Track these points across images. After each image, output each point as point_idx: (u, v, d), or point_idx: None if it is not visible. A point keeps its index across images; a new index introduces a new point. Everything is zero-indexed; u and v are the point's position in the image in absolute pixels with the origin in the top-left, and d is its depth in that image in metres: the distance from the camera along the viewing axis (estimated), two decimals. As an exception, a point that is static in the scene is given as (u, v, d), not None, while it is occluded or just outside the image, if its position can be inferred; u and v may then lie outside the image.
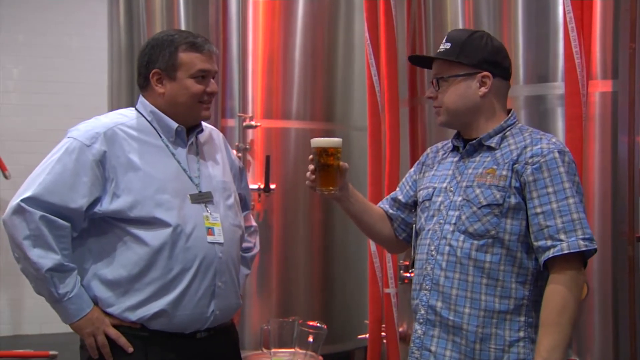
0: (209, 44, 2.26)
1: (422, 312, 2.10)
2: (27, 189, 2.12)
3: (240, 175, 2.52)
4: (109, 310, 2.15)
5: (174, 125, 2.25)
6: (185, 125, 2.27)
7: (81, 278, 2.16)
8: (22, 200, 2.09)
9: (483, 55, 2.08)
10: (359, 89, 3.97)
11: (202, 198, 2.22)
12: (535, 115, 2.76)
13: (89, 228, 2.17)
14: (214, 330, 2.25)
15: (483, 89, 2.07)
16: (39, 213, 2.08)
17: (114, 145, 2.16)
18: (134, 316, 2.14)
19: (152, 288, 2.14)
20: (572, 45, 2.55)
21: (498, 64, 2.10)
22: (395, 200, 2.33)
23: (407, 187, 2.32)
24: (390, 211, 2.32)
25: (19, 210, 2.09)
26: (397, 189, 2.37)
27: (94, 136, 2.15)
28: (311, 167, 2.14)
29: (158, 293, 2.14)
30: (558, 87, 2.68)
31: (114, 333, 2.14)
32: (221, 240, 2.22)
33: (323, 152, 2.13)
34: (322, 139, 2.16)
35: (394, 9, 3.29)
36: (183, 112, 2.25)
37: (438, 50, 2.14)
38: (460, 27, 2.96)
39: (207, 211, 2.22)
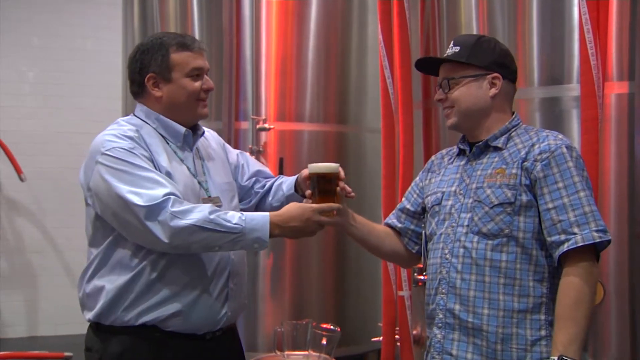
0: (198, 42, 2.27)
1: (440, 316, 2.10)
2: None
3: (244, 164, 2.52)
4: (125, 314, 2.15)
5: (182, 129, 2.25)
6: (186, 126, 2.27)
7: (99, 281, 2.17)
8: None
9: (493, 58, 2.13)
10: (373, 91, 3.95)
11: (212, 202, 2.23)
12: (550, 118, 2.74)
13: (118, 236, 2.16)
14: (222, 331, 2.26)
15: (493, 90, 2.11)
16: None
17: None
18: (149, 317, 2.14)
19: (168, 290, 2.14)
20: (587, 47, 2.52)
21: (507, 67, 2.15)
22: (403, 210, 2.34)
23: (415, 195, 2.33)
24: (399, 225, 2.33)
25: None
26: (404, 199, 2.38)
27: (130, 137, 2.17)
28: (308, 192, 2.20)
29: (175, 294, 2.15)
30: (573, 89, 2.65)
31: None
32: None
33: (321, 178, 2.15)
34: (319, 164, 2.18)
35: (408, 10, 3.28)
36: (183, 112, 2.25)
37: (446, 54, 2.16)
38: (475, 28, 2.95)
39: None
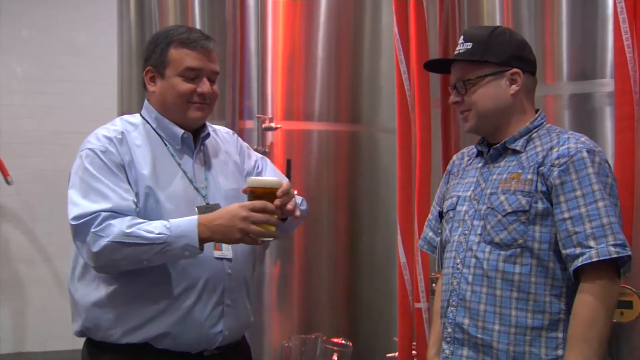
0: (206, 41, 2.23)
1: (449, 330, 2.09)
2: None
3: (260, 172, 2.49)
4: (110, 332, 2.14)
5: (180, 132, 2.24)
6: (186, 128, 2.25)
7: (83, 290, 2.18)
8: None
9: (510, 52, 2.09)
10: (387, 87, 3.92)
11: (210, 210, 2.20)
12: (580, 116, 2.71)
13: None
14: (222, 349, 2.23)
15: (514, 87, 2.08)
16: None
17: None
18: (135, 337, 2.13)
19: (153, 308, 2.13)
20: (622, 38, 2.48)
21: (525, 59, 2.12)
22: (438, 220, 2.31)
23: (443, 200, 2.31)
24: (437, 239, 2.29)
25: None
26: (435, 207, 2.35)
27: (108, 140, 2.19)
28: None
29: (160, 313, 2.13)
30: (607, 84, 2.62)
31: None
32: (229, 255, 2.21)
33: (254, 193, 2.09)
34: (258, 178, 2.19)
35: (425, 0, 3.26)
36: (173, 113, 2.24)
37: (457, 51, 2.12)
38: (498, 19, 2.94)
39: None
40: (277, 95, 3.90)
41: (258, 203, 2.04)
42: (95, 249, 2.02)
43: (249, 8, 3.88)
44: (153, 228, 2.04)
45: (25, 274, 6.13)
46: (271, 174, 2.50)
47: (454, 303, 2.08)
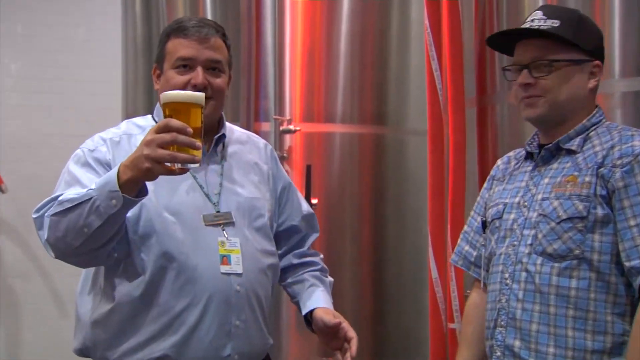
0: (201, 27, 2.18)
1: (499, 353, 2.02)
2: None
3: (288, 197, 2.44)
4: (108, 353, 2.12)
5: None
6: None
7: (84, 317, 2.17)
8: None
9: (597, 41, 2.03)
10: (417, 86, 3.91)
11: (219, 219, 2.17)
12: (634, 115, 2.69)
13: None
14: None
15: (593, 82, 2.02)
16: None
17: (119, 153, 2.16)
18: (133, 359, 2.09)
19: (151, 328, 2.09)
20: (684, 29, 2.46)
21: (603, 53, 2.06)
22: (478, 232, 2.24)
23: (484, 209, 2.25)
24: (475, 253, 2.23)
25: None
26: (474, 215, 2.28)
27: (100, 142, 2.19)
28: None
29: (159, 334, 2.09)
30: (665, 81, 2.60)
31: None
32: (239, 270, 2.14)
33: (163, 113, 1.93)
34: (165, 93, 1.95)
35: (460, -9, 3.25)
36: None
37: (537, 27, 2.01)
38: (541, 10, 2.90)
39: (224, 235, 2.16)
40: (295, 95, 3.88)
41: (162, 122, 1.85)
42: (46, 232, 1.98)
43: (266, 0, 3.86)
44: (83, 189, 2.00)
45: (20, 289, 6.12)
46: (300, 211, 2.45)
47: (502, 323, 2.01)
